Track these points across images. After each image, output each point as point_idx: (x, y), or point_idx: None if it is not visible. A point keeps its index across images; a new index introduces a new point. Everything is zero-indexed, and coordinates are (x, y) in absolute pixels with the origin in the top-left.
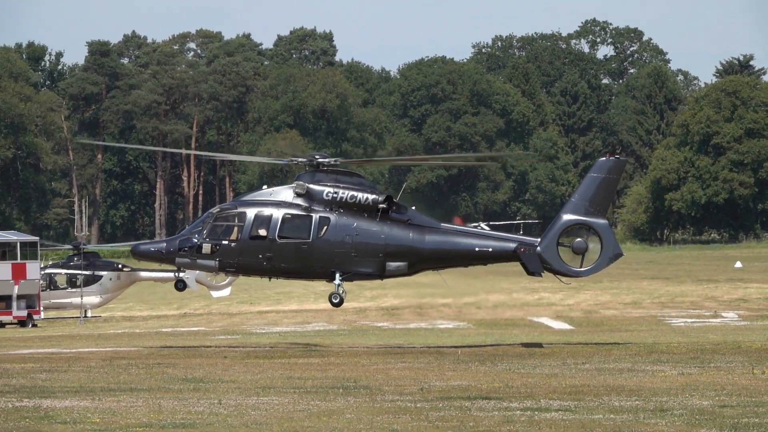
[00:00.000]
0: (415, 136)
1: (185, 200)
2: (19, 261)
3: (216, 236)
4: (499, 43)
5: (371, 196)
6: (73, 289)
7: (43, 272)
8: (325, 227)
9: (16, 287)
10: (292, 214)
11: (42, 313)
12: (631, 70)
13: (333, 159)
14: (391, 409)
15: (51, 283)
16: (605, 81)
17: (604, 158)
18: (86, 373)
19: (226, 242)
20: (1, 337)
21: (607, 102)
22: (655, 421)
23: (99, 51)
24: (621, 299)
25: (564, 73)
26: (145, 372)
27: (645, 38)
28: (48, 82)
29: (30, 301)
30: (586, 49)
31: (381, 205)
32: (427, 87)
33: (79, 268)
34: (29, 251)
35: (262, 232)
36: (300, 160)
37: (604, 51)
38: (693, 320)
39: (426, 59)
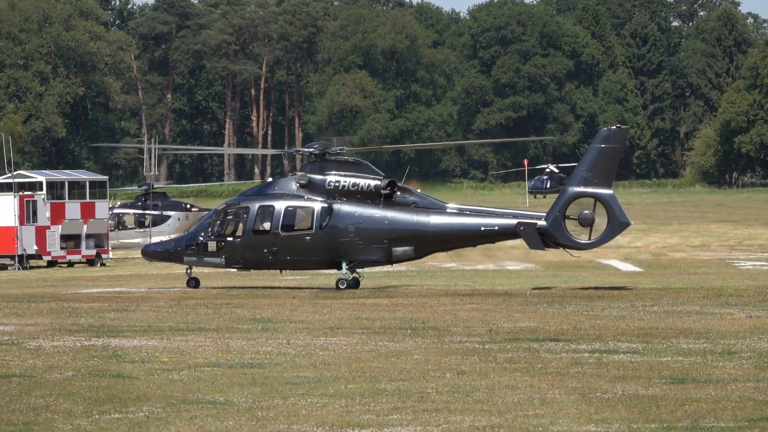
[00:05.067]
0: (485, 78)
1: (254, 141)
2: (88, 200)
3: (221, 233)
4: None
5: (373, 183)
6: (142, 229)
7: (111, 212)
8: (328, 217)
9: (85, 226)
10: (294, 206)
11: (110, 252)
12: (701, 13)
13: (337, 148)
14: (459, 350)
15: (119, 223)
16: (675, 23)
17: (606, 128)
18: (155, 312)
19: (231, 239)
20: (69, 276)
21: (676, 44)
22: (723, 364)
23: None
24: (689, 242)
25: (634, 15)
26: (213, 312)
27: None
28: (117, 22)
29: (99, 240)
30: None
31: (384, 191)
32: (497, 28)
33: (148, 209)
34: (98, 190)
35: (265, 225)
36: (304, 150)
37: None
38: (761, 263)
39: (496, 1)
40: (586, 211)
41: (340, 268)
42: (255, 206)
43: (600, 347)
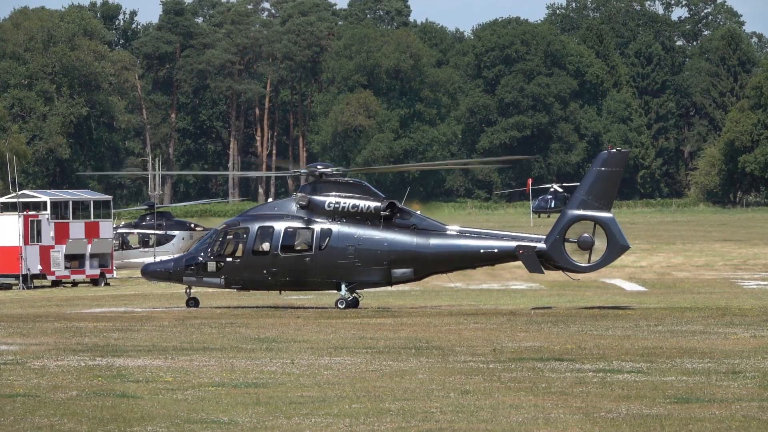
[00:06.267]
0: (489, 97)
1: (258, 160)
2: (92, 220)
3: (220, 254)
4: (573, 4)
5: (373, 204)
6: (146, 249)
7: (115, 232)
8: (328, 238)
9: (89, 246)
10: (293, 228)
11: (115, 272)
12: (705, 32)
13: (335, 168)
14: (463, 369)
15: (123, 243)
16: (679, 43)
17: (606, 152)
18: (159, 332)
19: (231, 259)
20: (74, 296)
21: (680, 64)
22: (727, 384)
23: (173, 10)
24: (694, 261)
25: (638, 34)
26: (217, 331)
27: (719, 0)
28: (122, 41)
29: (103, 260)
30: (661, 11)
31: (383, 212)
32: (501, 48)
33: (152, 228)
34: (102, 210)
35: (265, 246)
36: (303, 171)
37: (679, 13)
38: (766, 283)
39: (500, 20)
40: (586, 234)
41: (339, 289)
42: (255, 227)
43: (604, 367)
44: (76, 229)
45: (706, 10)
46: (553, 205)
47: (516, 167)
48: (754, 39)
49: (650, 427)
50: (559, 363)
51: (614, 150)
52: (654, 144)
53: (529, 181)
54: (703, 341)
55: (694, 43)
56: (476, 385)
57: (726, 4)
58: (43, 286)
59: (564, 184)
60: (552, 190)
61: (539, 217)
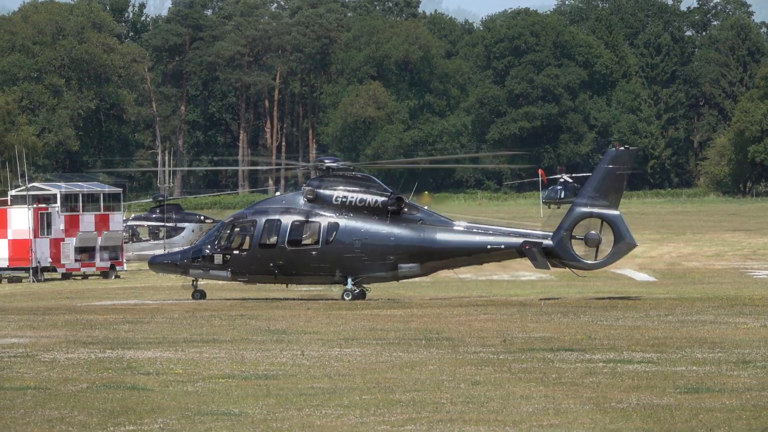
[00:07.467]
0: (498, 88)
1: (268, 152)
2: (102, 212)
3: (227, 246)
4: None
5: (380, 199)
6: (156, 241)
7: (125, 224)
8: (335, 232)
9: (100, 238)
10: (300, 221)
11: (125, 264)
12: (714, 23)
13: (343, 163)
14: (473, 360)
15: (134, 235)
16: (688, 33)
17: (614, 149)
18: (169, 324)
19: (237, 252)
20: (84, 288)
21: (690, 54)
22: (737, 373)
23: (182, 2)
24: (704, 251)
25: (647, 24)
26: (227, 323)
27: None
28: (131, 34)
29: (113, 253)
30: (669, 1)
31: (391, 207)
32: (511, 39)
33: (162, 220)
34: (112, 202)
35: (272, 239)
36: (311, 165)
37: (688, 3)
38: None
39: (509, 11)
40: (593, 232)
41: (345, 283)
42: (262, 220)
43: (614, 357)
44: (87, 221)
45: (715, 1)
46: (562, 196)
47: (526, 157)
48: (763, 29)
49: (660, 417)
50: (569, 353)
51: (622, 147)
52: (663, 134)
53: (542, 172)
54: (713, 331)
55: (704, 33)
56: (487, 376)
57: None
58: (53, 279)
59: (573, 175)
60: (562, 180)
61: (549, 207)
